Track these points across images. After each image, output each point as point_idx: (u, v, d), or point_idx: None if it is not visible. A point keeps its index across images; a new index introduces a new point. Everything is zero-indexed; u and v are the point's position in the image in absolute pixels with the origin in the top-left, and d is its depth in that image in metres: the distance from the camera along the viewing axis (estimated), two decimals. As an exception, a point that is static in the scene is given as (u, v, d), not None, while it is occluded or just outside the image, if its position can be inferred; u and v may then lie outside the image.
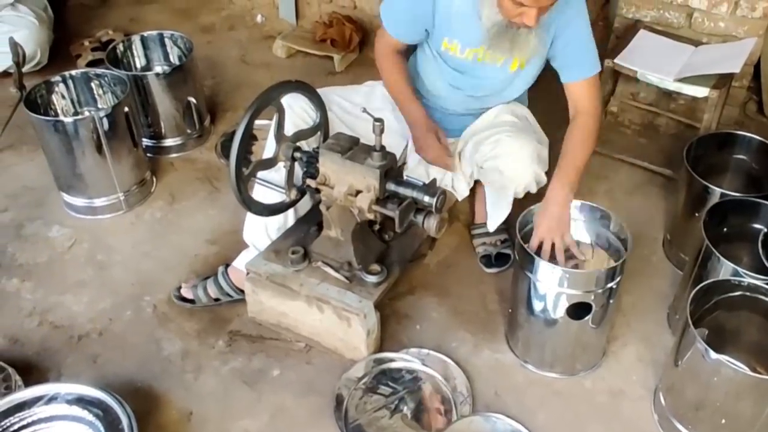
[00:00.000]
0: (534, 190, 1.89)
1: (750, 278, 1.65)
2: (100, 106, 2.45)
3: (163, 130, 2.58)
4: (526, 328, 1.81)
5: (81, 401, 1.57)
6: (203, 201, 2.42)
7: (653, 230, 2.28)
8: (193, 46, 2.60)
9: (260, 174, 1.83)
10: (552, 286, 1.67)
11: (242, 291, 1.95)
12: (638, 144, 2.66)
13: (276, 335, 1.93)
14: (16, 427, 1.56)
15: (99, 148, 2.22)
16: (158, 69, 2.69)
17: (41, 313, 2.01)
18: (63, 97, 2.41)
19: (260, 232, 1.94)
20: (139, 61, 2.70)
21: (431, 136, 1.91)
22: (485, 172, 1.91)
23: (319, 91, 1.89)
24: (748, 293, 1.65)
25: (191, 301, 2.01)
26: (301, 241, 1.92)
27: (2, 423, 1.55)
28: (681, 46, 2.39)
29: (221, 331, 1.95)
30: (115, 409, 1.54)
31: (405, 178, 1.77)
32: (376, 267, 1.82)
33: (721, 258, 1.70)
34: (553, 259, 1.76)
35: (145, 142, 2.56)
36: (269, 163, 1.80)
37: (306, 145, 1.86)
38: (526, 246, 1.71)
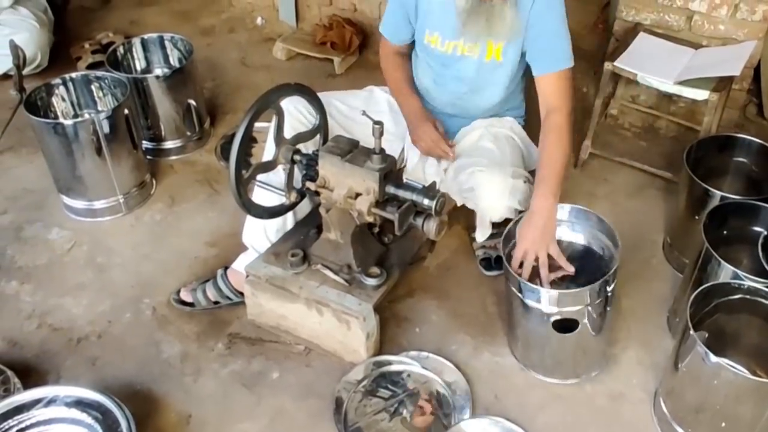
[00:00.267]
0: (513, 216, 1.90)
1: (750, 281, 1.65)
2: (100, 108, 2.46)
3: (163, 133, 2.58)
4: (525, 336, 1.81)
5: (80, 404, 1.57)
6: (203, 203, 2.42)
7: (653, 233, 2.27)
8: (193, 49, 2.61)
9: (260, 177, 1.83)
10: (542, 306, 1.66)
11: (241, 294, 1.95)
12: (638, 147, 2.65)
13: (275, 338, 1.93)
14: (15, 429, 1.56)
15: (99, 151, 2.22)
16: (158, 71, 2.69)
17: (40, 316, 2.01)
18: (63, 99, 2.41)
19: (259, 235, 1.94)
20: (139, 64, 2.71)
21: (427, 125, 1.94)
22: (466, 200, 1.93)
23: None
24: (747, 296, 1.64)
25: (190, 305, 2.00)
26: (301, 244, 1.92)
27: (1, 425, 1.55)
28: (681, 49, 2.39)
29: (221, 334, 1.95)
30: (114, 411, 1.54)
31: (405, 181, 1.77)
32: (375, 270, 1.82)
33: (721, 261, 1.70)
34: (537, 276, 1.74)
35: (145, 144, 2.56)
36: (269, 166, 1.80)
37: (305, 148, 1.86)
38: (510, 267, 1.70)
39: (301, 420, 1.74)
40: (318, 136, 1.90)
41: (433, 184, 1.76)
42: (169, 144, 2.61)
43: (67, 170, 2.25)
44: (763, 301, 1.63)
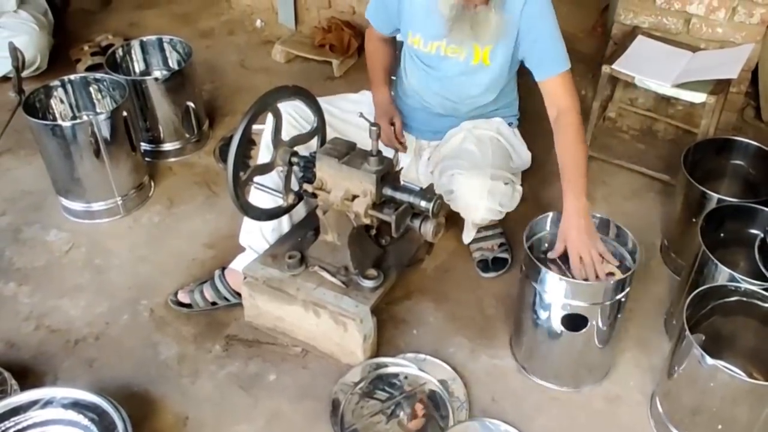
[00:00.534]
0: (496, 217, 1.93)
1: (746, 284, 1.65)
2: (98, 110, 2.46)
3: (161, 135, 2.58)
4: (530, 336, 1.80)
5: (76, 405, 1.58)
6: (201, 205, 2.43)
7: (651, 236, 2.28)
8: (192, 51, 2.61)
9: (257, 179, 1.83)
10: (558, 298, 1.65)
11: (239, 294, 1.95)
12: (636, 149, 2.66)
13: (273, 340, 1.93)
14: (11, 431, 1.56)
15: (97, 153, 2.23)
16: (157, 74, 2.69)
17: (38, 317, 2.01)
18: (61, 101, 2.41)
19: (256, 235, 1.95)
20: (138, 66, 2.71)
21: (383, 120, 2.02)
22: (449, 201, 1.93)
23: None
24: (744, 298, 1.64)
25: (188, 306, 2.01)
26: (298, 246, 1.93)
27: (-2, 427, 1.55)
28: (679, 52, 2.40)
29: (218, 336, 1.95)
30: (110, 413, 1.55)
31: (402, 183, 1.78)
32: (372, 272, 1.82)
33: (718, 263, 1.70)
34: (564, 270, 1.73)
35: (144, 146, 2.56)
36: (266, 168, 1.81)
37: (305, 149, 1.86)
38: (532, 256, 1.68)
39: (297, 422, 1.74)
40: (315, 139, 1.91)
41: (431, 186, 1.77)
42: (167, 146, 2.61)
43: (66, 172, 2.25)
44: (760, 303, 1.63)
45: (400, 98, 2.16)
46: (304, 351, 1.90)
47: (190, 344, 1.93)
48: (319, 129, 1.90)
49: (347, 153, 1.73)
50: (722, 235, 1.89)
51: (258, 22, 3.50)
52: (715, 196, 1.93)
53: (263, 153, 1.92)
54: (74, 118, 2.45)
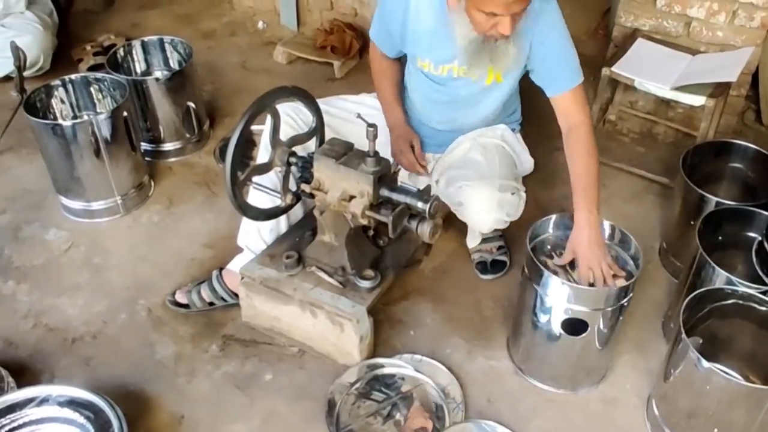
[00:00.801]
0: (503, 227, 1.93)
1: (743, 287, 1.65)
2: (99, 110, 2.47)
3: (162, 135, 2.59)
4: (529, 338, 1.80)
5: (72, 403, 1.58)
6: (201, 205, 2.43)
7: (649, 238, 2.27)
8: (193, 52, 2.62)
9: (256, 179, 1.83)
10: (560, 302, 1.65)
11: (236, 295, 1.96)
12: (636, 152, 2.66)
13: (269, 340, 1.93)
14: (7, 428, 1.56)
15: (97, 152, 2.23)
16: (158, 74, 2.70)
17: (36, 316, 2.02)
18: (62, 101, 2.42)
19: (254, 235, 1.95)
20: (139, 66, 2.72)
21: (405, 146, 1.97)
22: (456, 212, 1.94)
23: None
24: (741, 302, 1.64)
25: (185, 306, 2.01)
26: (296, 246, 1.93)
27: (-6, 424, 1.56)
28: (678, 55, 2.40)
29: (215, 335, 1.95)
30: (106, 411, 1.55)
31: (399, 184, 1.78)
32: (369, 272, 1.82)
33: (715, 266, 1.70)
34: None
35: (144, 146, 2.57)
36: (264, 168, 1.81)
37: (303, 150, 1.87)
38: (536, 259, 1.68)
39: (293, 422, 1.74)
40: (314, 139, 1.91)
41: (428, 187, 1.76)
42: (168, 146, 2.62)
43: (66, 171, 2.26)
44: (757, 306, 1.63)
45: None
46: (300, 351, 1.90)
47: (187, 344, 1.93)
48: (318, 130, 1.90)
49: (345, 153, 1.73)
50: (720, 238, 1.89)
51: (260, 24, 3.51)
52: (714, 199, 1.93)
53: (262, 153, 1.92)
54: (75, 117, 2.45)
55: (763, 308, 1.62)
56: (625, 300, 1.66)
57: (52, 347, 1.92)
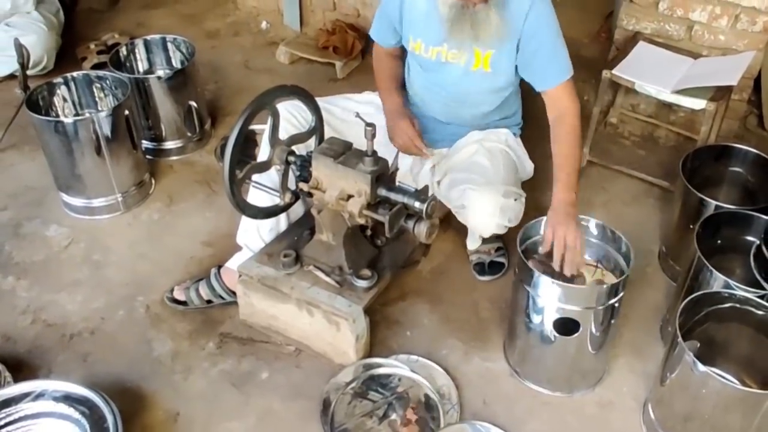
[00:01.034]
0: (503, 231, 1.93)
1: (741, 290, 1.64)
2: (101, 108, 2.48)
3: (163, 133, 2.60)
4: (524, 341, 1.79)
5: (68, 399, 1.58)
6: (201, 203, 2.44)
7: (649, 242, 2.27)
8: (195, 51, 2.63)
9: (255, 177, 1.84)
10: (551, 302, 1.65)
11: (234, 293, 1.96)
12: (637, 155, 2.65)
13: (266, 338, 1.93)
14: (2, 423, 1.57)
15: (98, 150, 2.24)
16: (160, 72, 2.71)
17: (35, 311, 2.03)
18: (65, 99, 2.43)
19: (253, 234, 1.95)
20: (142, 65, 2.73)
21: (404, 122, 1.98)
22: (458, 215, 1.95)
23: None
24: (738, 305, 1.64)
25: (183, 303, 2.01)
26: (294, 245, 1.93)
27: (-11, 418, 1.56)
28: (680, 59, 2.39)
29: (212, 333, 1.96)
30: (101, 407, 1.55)
31: (397, 183, 1.78)
32: (366, 272, 1.83)
33: (713, 270, 1.69)
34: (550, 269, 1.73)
35: (146, 144, 2.58)
36: (263, 167, 1.81)
37: (303, 148, 1.87)
38: (528, 261, 1.68)
39: (289, 420, 1.74)
40: (313, 138, 1.91)
41: (425, 187, 1.76)
42: (169, 144, 2.63)
43: (67, 168, 2.27)
44: (754, 310, 1.62)
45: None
46: (297, 350, 1.90)
47: (184, 341, 1.94)
48: (317, 128, 1.90)
49: (343, 153, 1.73)
50: (719, 242, 1.89)
51: (263, 24, 3.52)
52: (713, 202, 1.92)
53: (263, 152, 1.93)
54: (77, 115, 2.46)
55: (760, 312, 1.62)
56: (616, 299, 1.66)
57: (50, 343, 1.93)
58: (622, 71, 2.32)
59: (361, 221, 1.72)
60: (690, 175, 2.02)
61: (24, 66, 2.54)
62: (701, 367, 1.47)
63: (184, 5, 3.74)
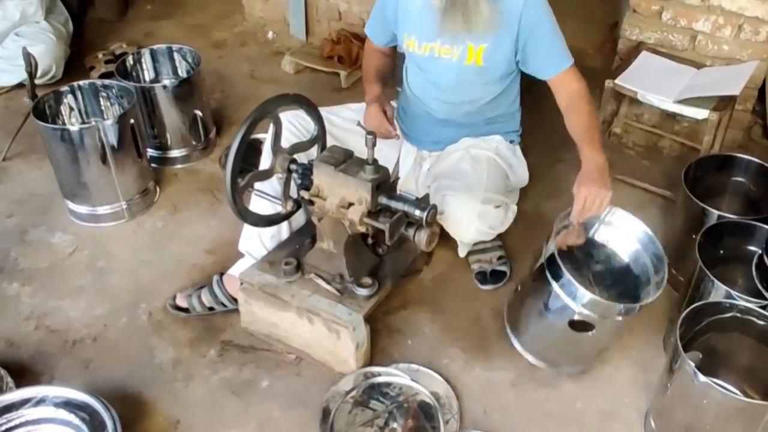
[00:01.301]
0: (486, 238, 1.96)
1: (742, 300, 1.63)
2: (106, 116, 2.50)
3: (168, 142, 2.62)
4: (531, 318, 1.80)
5: (68, 404, 1.59)
6: (205, 212, 2.45)
7: (652, 252, 2.25)
8: (201, 60, 2.65)
9: (257, 185, 1.85)
10: (574, 305, 1.64)
11: (236, 300, 1.97)
12: (641, 165, 2.64)
13: (267, 346, 1.94)
14: (3, 428, 1.58)
15: (103, 158, 2.26)
16: (166, 81, 2.74)
17: (38, 317, 2.04)
18: (71, 107, 2.46)
19: (255, 241, 1.96)
20: (148, 74, 2.76)
21: (373, 106, 2.03)
22: (440, 221, 1.94)
23: None
24: (739, 315, 1.63)
25: (185, 310, 2.02)
26: (296, 253, 1.94)
27: (-10, 424, 1.57)
28: (683, 68, 2.39)
29: (214, 341, 1.96)
30: (101, 413, 1.56)
31: (398, 192, 1.79)
32: (367, 280, 1.83)
33: (715, 280, 1.68)
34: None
35: (151, 152, 2.60)
36: (265, 175, 1.83)
37: (305, 157, 1.88)
38: (562, 264, 1.65)
39: (288, 429, 1.74)
40: (315, 147, 1.92)
41: (426, 196, 1.78)
42: (174, 153, 2.65)
43: (72, 176, 2.29)
44: (756, 320, 1.62)
45: (403, 108, 2.18)
46: (298, 358, 1.91)
47: (185, 348, 1.94)
48: (320, 137, 1.92)
49: (344, 161, 1.74)
50: (721, 251, 1.88)
51: (270, 34, 3.55)
52: (715, 212, 1.91)
53: (264, 160, 1.94)
54: (83, 123, 2.49)
55: (762, 322, 1.61)
56: (638, 310, 1.66)
57: (52, 349, 1.94)
58: (625, 81, 2.32)
59: (362, 229, 1.73)
60: (692, 185, 2.02)
61: (32, 75, 2.57)
62: (702, 377, 1.46)
63: (192, 16, 3.78)
